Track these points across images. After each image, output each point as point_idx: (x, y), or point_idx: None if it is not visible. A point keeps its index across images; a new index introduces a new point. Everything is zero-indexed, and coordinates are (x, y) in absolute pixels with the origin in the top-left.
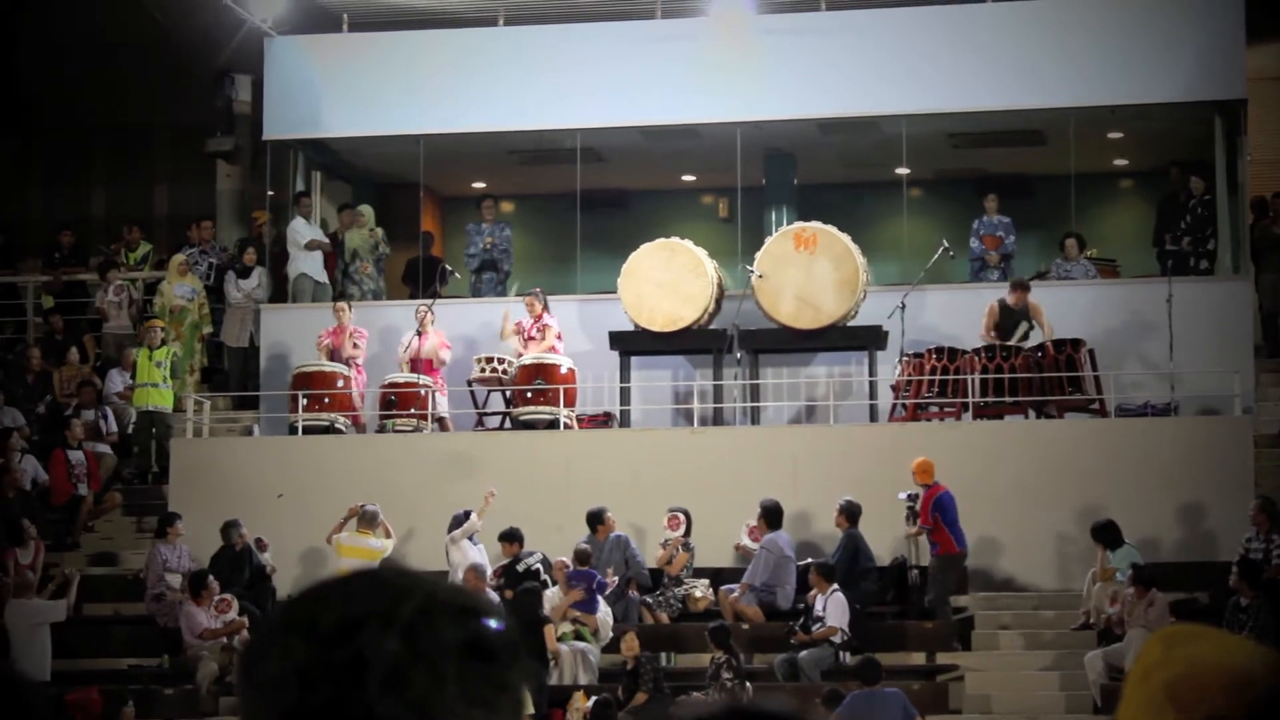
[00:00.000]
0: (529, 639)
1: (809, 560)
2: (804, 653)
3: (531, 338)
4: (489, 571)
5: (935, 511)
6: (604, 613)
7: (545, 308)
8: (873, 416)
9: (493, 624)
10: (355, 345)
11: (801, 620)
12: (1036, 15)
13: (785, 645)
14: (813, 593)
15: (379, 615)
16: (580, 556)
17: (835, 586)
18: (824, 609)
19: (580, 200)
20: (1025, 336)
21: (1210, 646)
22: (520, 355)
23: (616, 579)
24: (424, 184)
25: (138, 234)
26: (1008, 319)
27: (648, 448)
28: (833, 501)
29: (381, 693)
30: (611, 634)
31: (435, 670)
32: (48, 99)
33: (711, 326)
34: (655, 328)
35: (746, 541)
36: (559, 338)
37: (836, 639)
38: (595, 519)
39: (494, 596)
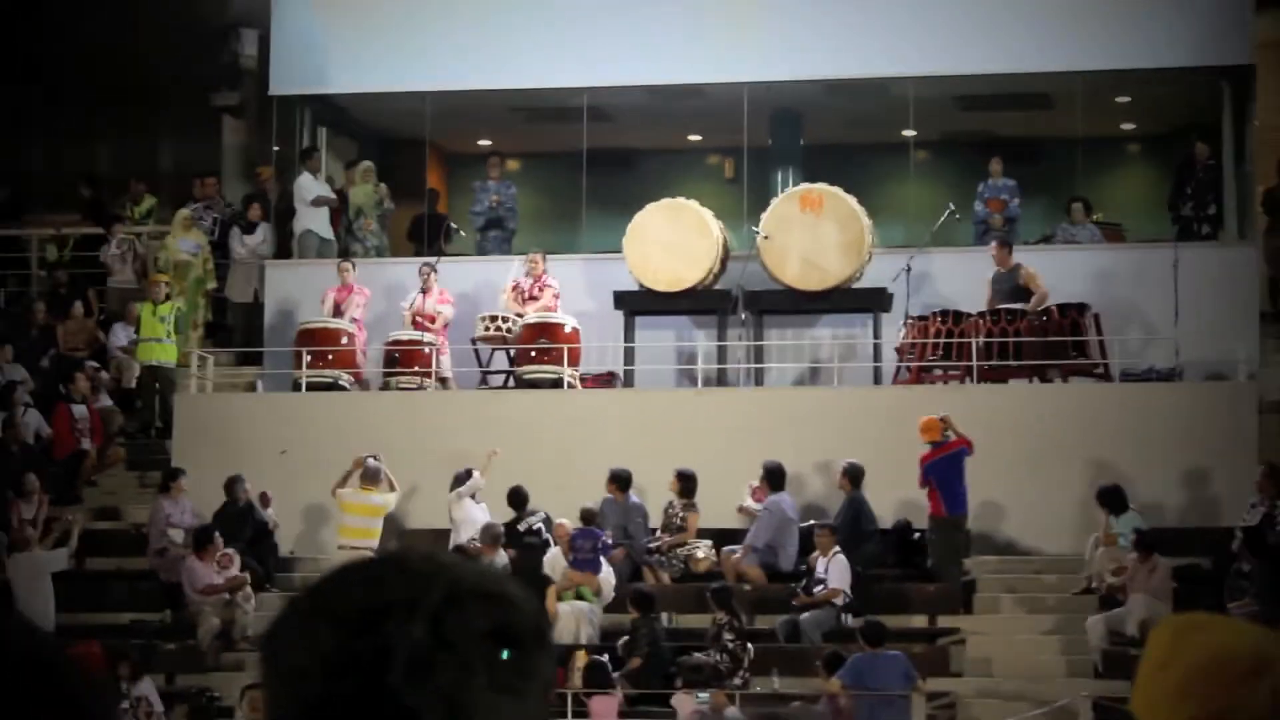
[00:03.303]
0: None
1: (811, 522)
2: (805, 614)
3: (532, 297)
4: (500, 532)
5: (930, 474)
6: (606, 572)
7: (543, 267)
8: (877, 379)
9: (521, 611)
10: (358, 300)
11: (804, 582)
12: None
13: (787, 607)
14: (815, 554)
15: (404, 602)
16: (585, 516)
17: (837, 549)
18: (826, 571)
19: (586, 159)
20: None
21: (1222, 635)
22: (519, 315)
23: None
24: (430, 141)
25: (142, 188)
26: (1001, 282)
27: (651, 408)
28: (836, 464)
29: (408, 681)
30: (614, 594)
31: (462, 658)
32: (54, 52)
33: (716, 287)
34: (660, 288)
35: (749, 503)
36: (556, 297)
37: (839, 601)
38: (623, 481)
39: (505, 559)
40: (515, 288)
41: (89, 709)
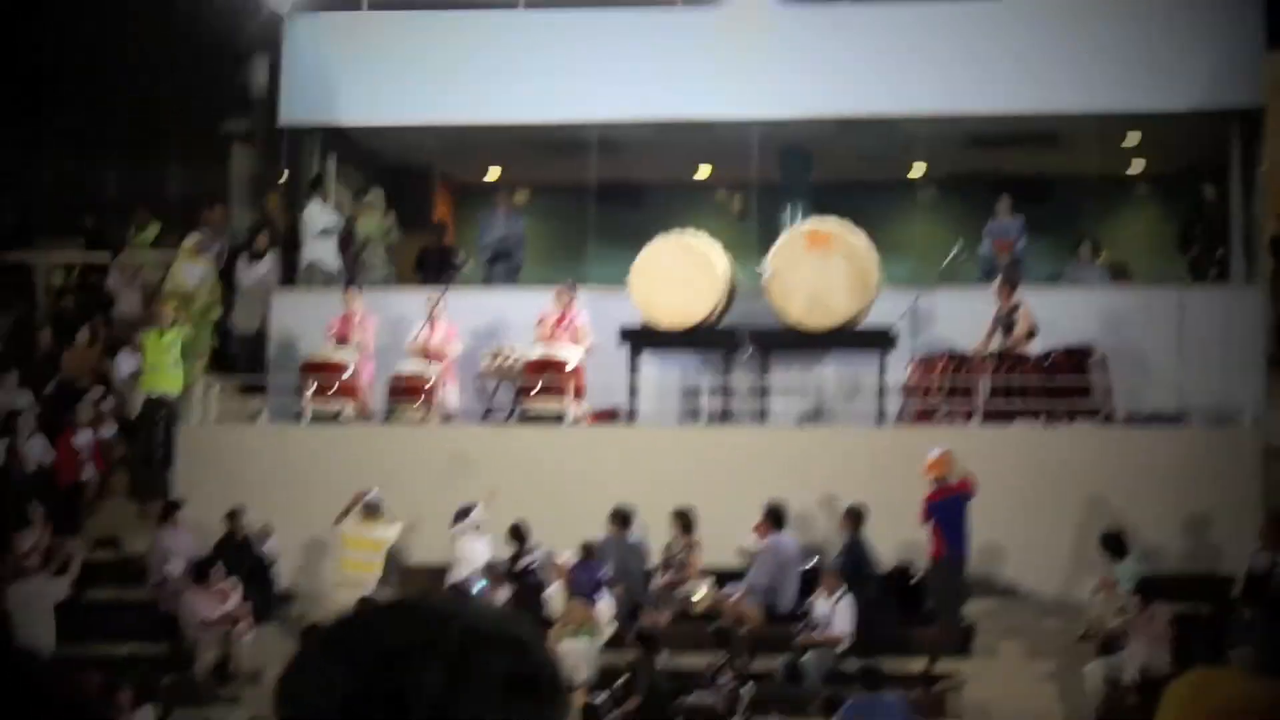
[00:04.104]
0: None
1: (815, 559)
2: (807, 655)
3: (560, 330)
4: (503, 569)
5: (933, 514)
6: (604, 605)
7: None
8: (881, 419)
9: (537, 655)
10: (364, 331)
11: (804, 622)
12: (1055, 18)
13: (786, 647)
14: (815, 595)
15: (422, 646)
16: (586, 550)
17: (843, 590)
18: (831, 611)
19: (595, 192)
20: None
21: (1236, 689)
22: (548, 343)
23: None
24: (439, 172)
25: (148, 214)
26: (1001, 320)
27: (654, 444)
28: (838, 504)
29: None
30: (615, 627)
31: (478, 703)
32: (63, 79)
33: (722, 324)
34: (666, 323)
35: (752, 541)
36: (585, 334)
37: (845, 644)
38: (624, 519)
39: (506, 595)
40: (542, 321)
41: None
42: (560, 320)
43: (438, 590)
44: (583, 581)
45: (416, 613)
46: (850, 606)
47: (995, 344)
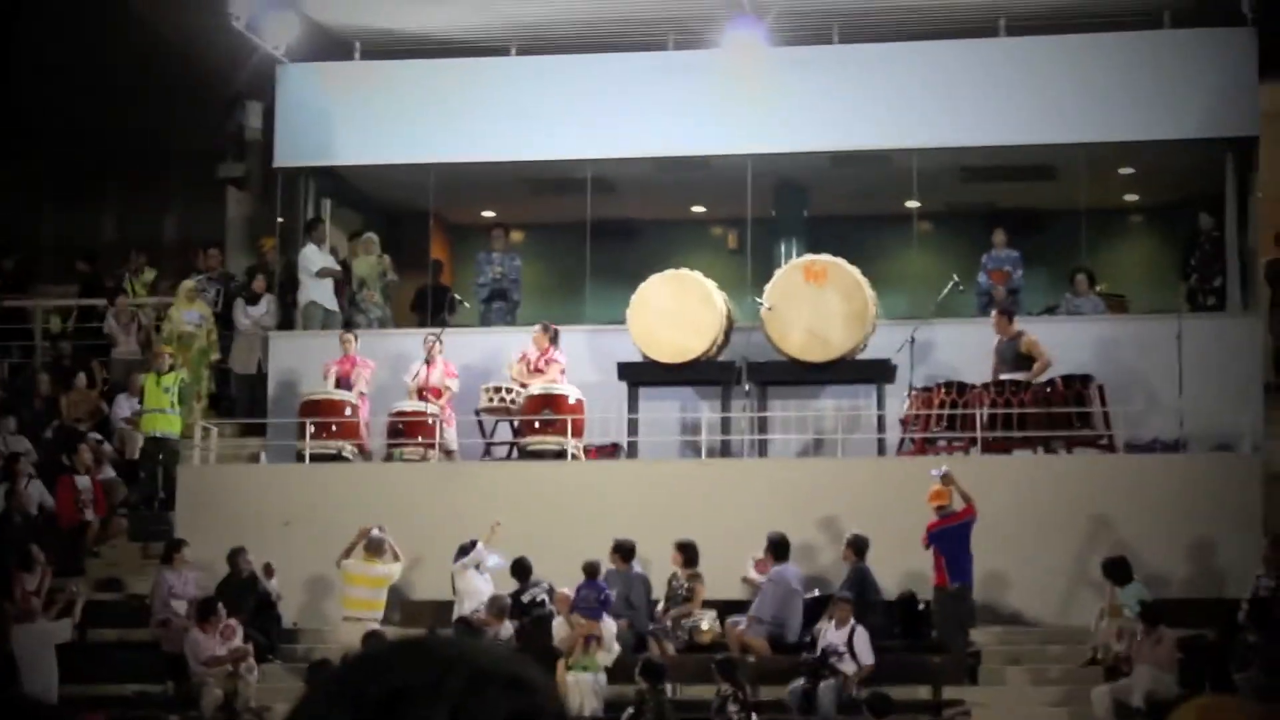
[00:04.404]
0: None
1: (815, 592)
2: (824, 684)
3: (539, 370)
4: (507, 604)
5: (936, 543)
6: (609, 623)
7: (553, 342)
8: (881, 450)
9: (541, 696)
10: (362, 371)
11: (818, 652)
12: (1049, 51)
13: (791, 677)
14: (821, 624)
15: (426, 688)
16: (589, 569)
17: (854, 620)
18: (849, 643)
19: (590, 230)
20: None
21: (1242, 716)
22: (525, 386)
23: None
24: (434, 212)
25: (143, 260)
26: (1004, 351)
27: (655, 479)
28: (840, 535)
29: None
30: (618, 647)
31: None
32: (60, 123)
33: (720, 358)
34: (664, 359)
35: (753, 574)
36: (562, 373)
37: (865, 674)
38: (626, 552)
39: (510, 630)
40: (523, 359)
41: None
42: (538, 362)
43: (444, 626)
44: (588, 598)
45: (421, 652)
46: (867, 636)
47: (1001, 374)
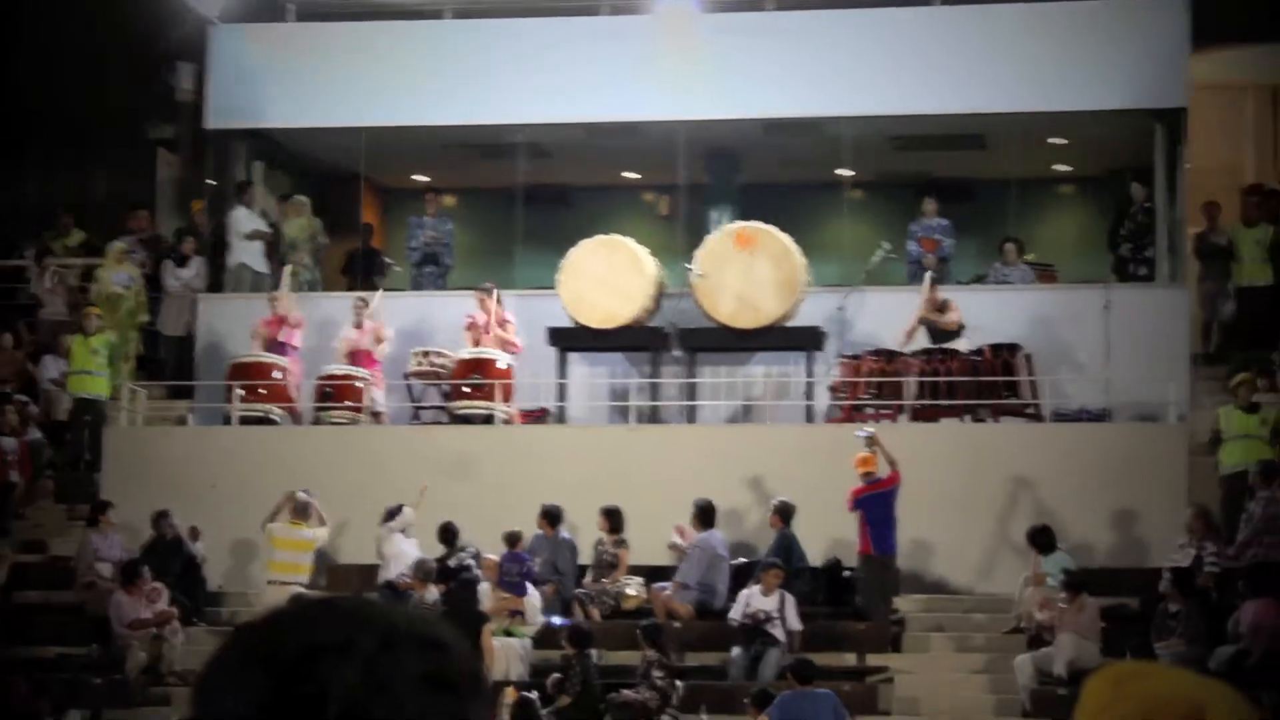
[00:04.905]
0: (466, 633)
1: (741, 559)
2: (772, 649)
3: (498, 329)
4: (433, 569)
5: (860, 508)
6: (533, 595)
7: (499, 302)
8: (809, 417)
9: (455, 654)
10: (292, 333)
11: (751, 619)
12: (980, 20)
13: (717, 644)
14: (749, 590)
15: (338, 646)
16: (510, 539)
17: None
18: (779, 610)
19: (522, 195)
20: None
21: (1159, 683)
22: (477, 346)
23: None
24: (365, 176)
25: (70, 221)
26: (925, 320)
27: (584, 444)
28: (767, 501)
29: None
30: (541, 619)
31: (396, 703)
32: None
33: (650, 324)
34: (594, 324)
35: (679, 540)
36: (515, 331)
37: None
38: (553, 517)
39: (435, 594)
40: (472, 324)
41: None
42: (488, 324)
43: (370, 589)
44: (511, 569)
45: (334, 611)
46: (794, 602)
47: (920, 342)
